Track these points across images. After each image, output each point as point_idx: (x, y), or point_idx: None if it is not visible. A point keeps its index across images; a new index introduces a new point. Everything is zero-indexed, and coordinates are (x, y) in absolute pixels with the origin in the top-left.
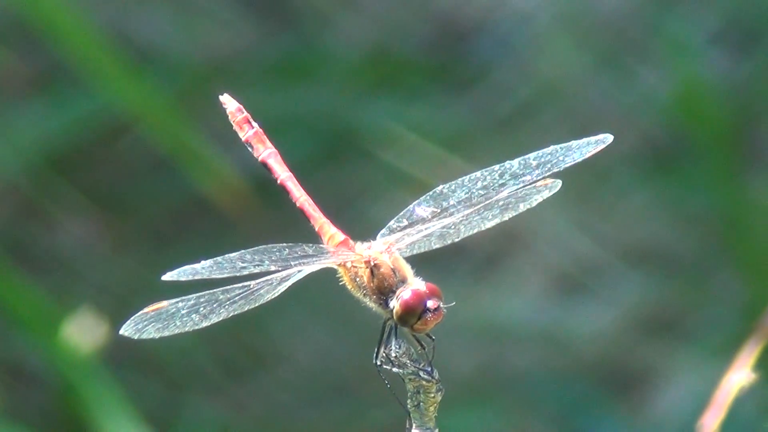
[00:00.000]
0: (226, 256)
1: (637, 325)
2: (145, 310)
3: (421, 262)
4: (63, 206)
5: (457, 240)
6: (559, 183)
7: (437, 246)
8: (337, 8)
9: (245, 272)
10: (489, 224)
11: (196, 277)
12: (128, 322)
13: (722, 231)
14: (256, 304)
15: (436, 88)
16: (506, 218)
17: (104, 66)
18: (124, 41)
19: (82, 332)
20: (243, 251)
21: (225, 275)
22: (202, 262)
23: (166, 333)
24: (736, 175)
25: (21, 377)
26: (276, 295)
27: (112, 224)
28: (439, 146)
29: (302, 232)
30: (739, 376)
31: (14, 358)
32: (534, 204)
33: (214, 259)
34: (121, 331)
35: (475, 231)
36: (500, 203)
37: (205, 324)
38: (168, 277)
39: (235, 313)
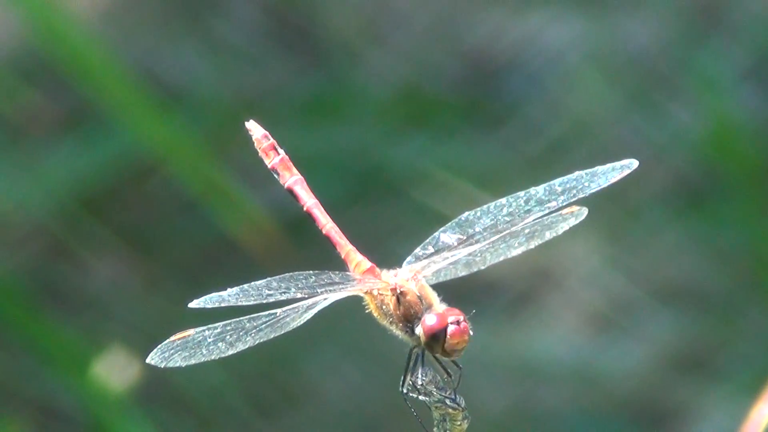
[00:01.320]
0: (253, 283)
1: (668, 362)
2: (172, 338)
3: (451, 299)
4: (93, 246)
5: (483, 268)
6: (585, 210)
7: (463, 274)
8: (367, 46)
9: (271, 299)
10: (515, 252)
11: (223, 305)
12: (155, 350)
13: (754, 268)
14: (282, 332)
15: (466, 125)
16: (532, 246)
17: (133, 105)
18: (153, 79)
19: (112, 371)
20: (269, 279)
21: (251, 302)
22: (229, 289)
23: (193, 361)
24: (767, 212)
25: (52, 415)
26: (302, 322)
27: (142, 263)
28: (469, 184)
29: (331, 270)
30: None
31: (45, 397)
32: (560, 232)
33: (241, 286)
34: (147, 360)
35: (501, 258)
36: (526, 231)
37: (231, 352)
38: (195, 304)
39: (261, 340)
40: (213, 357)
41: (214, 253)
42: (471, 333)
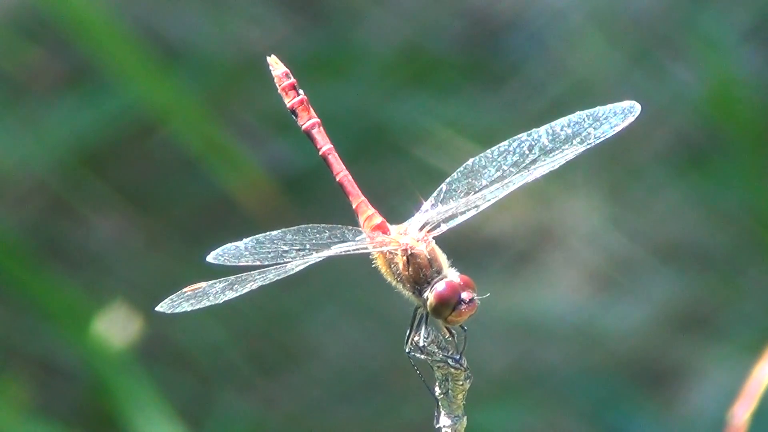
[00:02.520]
0: (268, 234)
1: (669, 321)
2: (184, 290)
3: (454, 258)
4: (93, 203)
5: (477, 211)
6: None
7: (461, 219)
8: (369, 4)
9: (287, 257)
10: (507, 192)
11: (242, 262)
12: (165, 300)
13: (754, 227)
14: (286, 275)
15: (468, 84)
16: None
17: (133, 64)
18: (154, 38)
19: (114, 328)
20: (284, 230)
21: (269, 262)
22: (244, 240)
23: (198, 307)
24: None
25: (53, 373)
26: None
27: (143, 221)
28: (471, 142)
29: None
30: None
31: (46, 354)
32: (556, 166)
33: (256, 238)
34: (157, 308)
35: (495, 200)
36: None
37: (235, 296)
38: (213, 258)
39: (264, 284)
40: (218, 302)
41: (214, 211)
42: (478, 306)
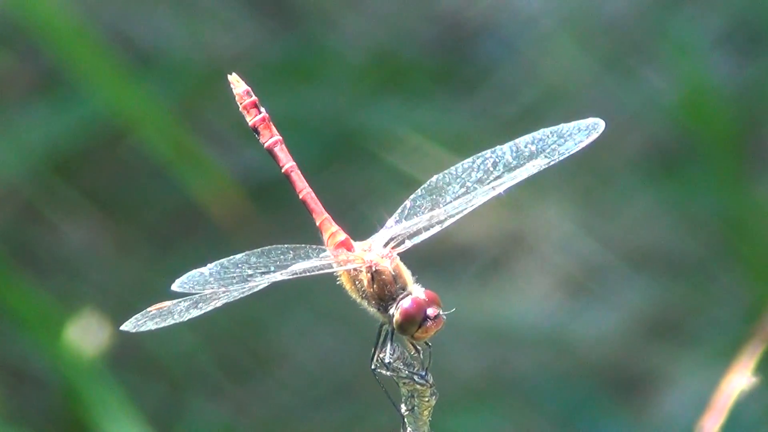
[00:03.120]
0: (232, 259)
1: (640, 327)
2: (149, 309)
3: (425, 265)
4: (64, 209)
5: (441, 228)
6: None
7: (425, 236)
8: (341, 9)
9: (252, 281)
10: (470, 208)
11: (207, 289)
12: (130, 320)
13: (726, 234)
14: (250, 293)
15: (440, 89)
16: (486, 200)
17: (103, 70)
18: (124, 44)
19: (84, 335)
20: (248, 253)
21: (234, 285)
22: (209, 266)
23: (163, 325)
24: (740, 178)
25: (23, 379)
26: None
27: (115, 227)
28: (443, 148)
29: (297, 238)
30: (740, 379)
31: (17, 361)
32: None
33: (220, 263)
34: (122, 327)
35: (459, 215)
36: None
37: (199, 314)
38: (177, 286)
39: (228, 301)
40: (182, 320)
41: (184, 217)
42: (444, 322)
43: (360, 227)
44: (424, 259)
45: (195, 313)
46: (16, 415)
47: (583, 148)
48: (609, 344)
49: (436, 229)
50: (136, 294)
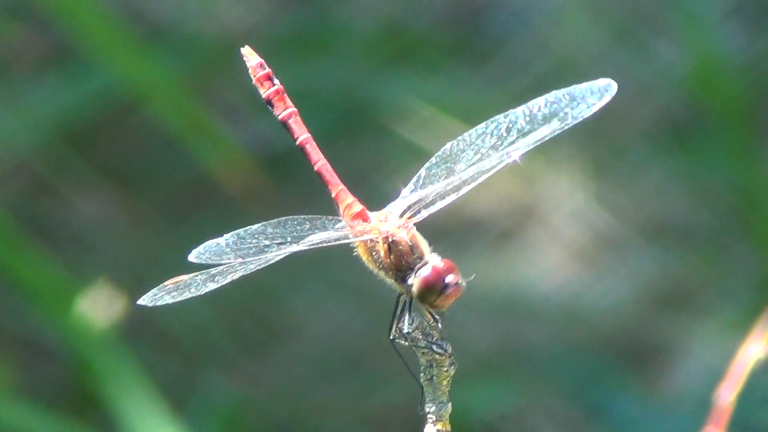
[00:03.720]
0: (248, 229)
1: (653, 298)
2: (166, 283)
3: (438, 236)
4: (76, 181)
5: (457, 197)
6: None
7: (441, 206)
8: None
9: (269, 252)
10: (484, 178)
11: (223, 260)
12: (147, 294)
13: (738, 204)
14: (266, 265)
15: (451, 62)
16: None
17: (115, 42)
18: (136, 17)
19: (97, 307)
20: (264, 224)
21: (251, 256)
22: (225, 236)
23: (179, 299)
24: (751, 149)
25: (36, 352)
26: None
27: (127, 199)
28: (454, 120)
29: (311, 209)
30: (756, 348)
31: (29, 333)
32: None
33: (237, 233)
34: (138, 302)
35: (474, 185)
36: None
37: (216, 287)
38: (194, 257)
39: (245, 274)
40: (199, 293)
41: (197, 189)
42: (463, 290)
43: (373, 199)
44: (437, 231)
45: (212, 286)
46: (28, 388)
47: (595, 117)
48: (621, 315)
49: (453, 197)
50: (148, 266)
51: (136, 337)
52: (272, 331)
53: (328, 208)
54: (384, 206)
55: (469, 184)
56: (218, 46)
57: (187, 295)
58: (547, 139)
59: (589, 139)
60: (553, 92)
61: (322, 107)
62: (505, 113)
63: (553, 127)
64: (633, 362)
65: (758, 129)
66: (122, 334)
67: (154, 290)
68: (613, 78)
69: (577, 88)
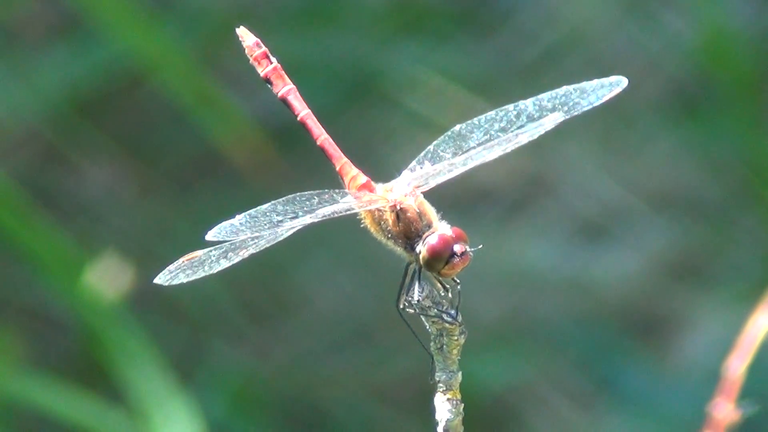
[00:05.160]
0: (259, 208)
1: (662, 270)
2: (181, 260)
3: (447, 208)
4: (85, 152)
5: (463, 170)
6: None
7: (444, 179)
8: None
9: (282, 226)
10: (492, 156)
11: (240, 236)
12: (163, 272)
13: (747, 176)
14: (276, 241)
15: (460, 32)
16: (508, 150)
17: (123, 14)
18: None
19: (105, 278)
20: (274, 203)
21: (265, 230)
22: (237, 217)
23: (194, 278)
24: (761, 121)
25: (44, 323)
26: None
27: (135, 170)
28: (462, 91)
29: (318, 180)
30: (765, 319)
31: (37, 304)
32: (535, 136)
33: (249, 213)
34: (155, 281)
35: (480, 162)
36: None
37: (229, 265)
38: (211, 236)
39: (257, 251)
40: (212, 272)
41: (205, 161)
42: (471, 258)
43: (380, 169)
44: (445, 202)
45: (225, 263)
46: (36, 359)
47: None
48: (630, 287)
49: (460, 170)
50: (157, 238)
51: (145, 308)
52: (280, 303)
53: (335, 179)
54: (391, 179)
55: (475, 161)
56: (226, 18)
57: (201, 274)
58: (554, 125)
59: (597, 111)
60: (564, 87)
61: (330, 79)
62: (515, 104)
63: (560, 116)
64: (642, 334)
65: (767, 101)
66: (131, 305)
67: (170, 268)
68: (621, 49)
69: (587, 84)
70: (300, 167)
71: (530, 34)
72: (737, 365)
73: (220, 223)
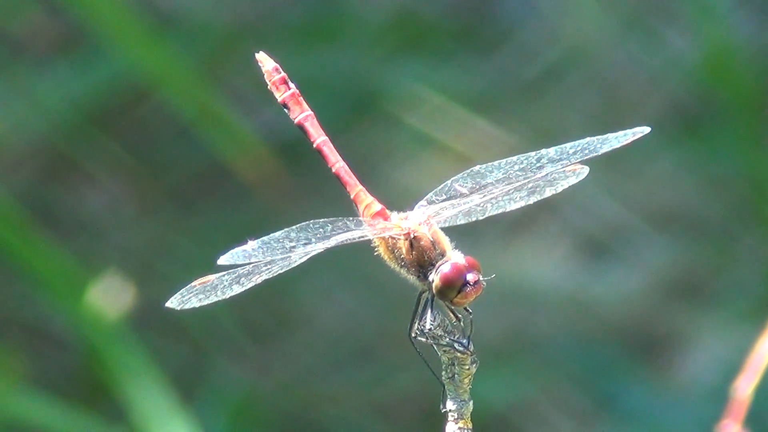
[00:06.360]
0: (273, 236)
1: (663, 288)
2: (194, 284)
3: (448, 227)
4: (87, 169)
5: (481, 218)
6: (587, 170)
7: (462, 222)
8: None
9: (296, 252)
10: (514, 206)
11: (252, 261)
12: (175, 296)
13: (749, 194)
14: (289, 268)
15: (461, 50)
16: (531, 201)
17: (127, 29)
18: (147, 3)
19: (107, 296)
20: (287, 230)
21: (278, 257)
22: (250, 242)
23: (206, 302)
24: (762, 139)
25: (45, 341)
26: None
27: (137, 188)
28: (464, 109)
29: (322, 198)
30: None
31: (39, 322)
32: (560, 189)
33: (262, 240)
34: (167, 305)
35: (500, 211)
36: (529, 185)
37: (241, 290)
38: (223, 260)
39: (269, 277)
40: (225, 297)
41: (208, 177)
42: (484, 287)
43: (381, 187)
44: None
45: (238, 289)
46: (37, 377)
47: (605, 105)
48: (631, 305)
49: (477, 216)
50: (159, 255)
51: (146, 326)
52: (282, 321)
53: (340, 195)
54: (392, 196)
55: (496, 208)
56: (229, 33)
57: (213, 299)
58: (574, 163)
59: (599, 129)
60: (587, 138)
61: (331, 96)
62: (537, 151)
63: (586, 169)
64: (643, 352)
65: None
66: (132, 323)
67: (182, 291)
68: (623, 66)
69: (611, 135)
70: (305, 183)
71: (531, 52)
72: (745, 387)
73: (227, 244)
